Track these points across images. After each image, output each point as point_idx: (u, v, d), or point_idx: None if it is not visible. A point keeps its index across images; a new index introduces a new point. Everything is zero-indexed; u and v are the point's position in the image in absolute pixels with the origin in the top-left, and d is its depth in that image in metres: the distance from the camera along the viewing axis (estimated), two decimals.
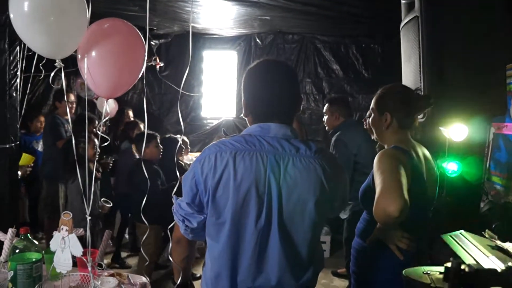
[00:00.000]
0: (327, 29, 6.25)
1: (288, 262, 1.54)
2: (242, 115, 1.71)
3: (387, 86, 2.15)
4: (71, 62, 5.41)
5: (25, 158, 3.84)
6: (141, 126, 5.12)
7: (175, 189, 1.75)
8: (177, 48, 6.59)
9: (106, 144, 1.90)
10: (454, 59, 2.64)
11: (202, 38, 6.54)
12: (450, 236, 2.23)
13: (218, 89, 6.75)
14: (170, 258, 1.79)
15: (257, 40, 6.66)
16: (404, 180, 1.76)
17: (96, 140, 3.76)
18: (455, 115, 2.60)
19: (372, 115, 2.14)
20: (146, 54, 1.91)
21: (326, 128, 4.25)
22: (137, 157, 4.75)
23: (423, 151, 2.08)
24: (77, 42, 1.73)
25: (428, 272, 1.63)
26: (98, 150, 2.84)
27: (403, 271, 1.69)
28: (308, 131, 6.23)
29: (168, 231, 1.91)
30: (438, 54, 2.60)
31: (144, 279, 2.17)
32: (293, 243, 1.55)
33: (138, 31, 1.92)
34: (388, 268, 1.95)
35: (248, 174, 1.50)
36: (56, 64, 1.71)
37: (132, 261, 5.00)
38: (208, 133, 6.58)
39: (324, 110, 4.22)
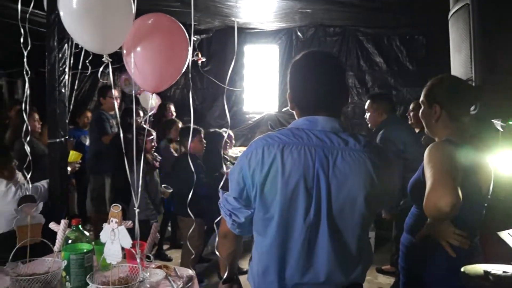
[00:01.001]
0: (370, 20, 6.13)
1: (337, 258, 1.52)
2: (288, 108, 1.69)
3: (437, 77, 2.07)
4: (115, 59, 5.54)
5: (74, 155, 3.97)
6: (179, 124, 5.19)
7: (221, 183, 1.74)
8: (218, 43, 6.62)
9: (152, 137, 1.91)
10: (508, 48, 2.52)
11: (243, 32, 6.54)
12: (509, 233, 2.13)
13: (260, 84, 6.74)
14: (217, 252, 1.79)
15: (298, 33, 6.61)
16: (456, 174, 1.70)
17: (153, 133, 3.85)
18: (509, 107, 2.49)
19: (422, 107, 2.07)
20: (190, 48, 1.92)
21: (369, 125, 4.16)
22: (175, 154, 4.82)
23: (476, 145, 2.00)
24: (124, 37, 1.75)
25: (490, 270, 1.56)
26: (155, 143, 2.91)
27: (462, 269, 1.63)
28: (352, 125, 6.14)
29: (214, 225, 1.91)
30: (491, 43, 2.48)
31: (190, 271, 2.20)
32: (342, 238, 1.52)
33: (181, 25, 1.93)
34: (439, 265, 1.88)
35: (297, 168, 1.48)
36: (103, 59, 1.74)
37: (173, 254, 5.08)
38: (250, 128, 6.59)
39: (366, 107, 4.14)
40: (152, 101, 1.89)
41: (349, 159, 1.49)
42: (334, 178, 1.48)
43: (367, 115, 4.12)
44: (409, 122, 4.45)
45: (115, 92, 5.65)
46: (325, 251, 1.51)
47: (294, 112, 1.69)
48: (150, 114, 1.84)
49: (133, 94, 1.87)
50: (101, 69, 1.72)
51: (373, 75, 6.42)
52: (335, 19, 6.14)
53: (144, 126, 1.75)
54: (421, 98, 2.08)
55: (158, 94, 5.85)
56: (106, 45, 1.69)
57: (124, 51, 1.80)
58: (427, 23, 5.86)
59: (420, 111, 2.09)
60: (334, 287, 1.55)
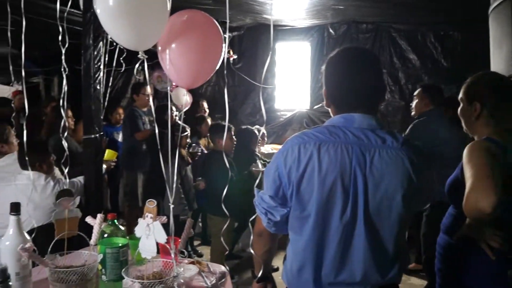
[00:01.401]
0: (403, 17, 6.02)
1: (374, 258, 1.50)
2: (320, 105, 1.67)
3: (477, 74, 2.01)
4: (148, 56, 5.59)
5: (109, 154, 4.04)
6: (209, 120, 5.22)
7: (257, 181, 1.74)
8: (249, 41, 6.64)
9: (186, 133, 1.93)
10: None
11: (275, 29, 6.54)
12: None
13: (292, 81, 6.71)
14: (251, 251, 1.79)
15: (330, 30, 6.56)
16: (497, 174, 1.64)
17: (188, 129, 3.90)
18: None
19: (461, 105, 2.02)
20: (225, 45, 1.92)
21: (412, 113, 4.11)
22: (205, 151, 4.85)
23: None
24: (159, 34, 1.76)
25: None
26: (189, 140, 2.94)
27: (509, 272, 1.58)
28: (384, 123, 6.06)
29: (249, 224, 1.91)
30: None
31: (223, 268, 2.21)
32: (379, 238, 1.50)
33: (216, 21, 1.93)
34: (479, 267, 1.83)
35: (333, 166, 1.46)
36: (139, 56, 1.76)
37: (204, 250, 5.11)
38: (281, 125, 6.58)
39: (415, 94, 4.08)
40: (186, 98, 1.89)
41: (387, 157, 1.47)
42: (371, 176, 1.46)
43: (414, 102, 4.08)
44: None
45: (148, 89, 5.73)
46: (361, 250, 1.49)
47: (329, 110, 1.67)
48: (183, 111, 1.84)
49: (168, 91, 1.88)
50: (137, 65, 1.74)
51: (407, 72, 6.32)
52: (367, 15, 6.07)
53: (179, 122, 1.76)
54: (460, 95, 2.03)
55: (190, 91, 5.91)
56: (142, 42, 1.71)
57: (159, 48, 1.81)
58: (463, 18, 5.73)
59: (459, 109, 2.04)
60: (370, 287, 1.53)
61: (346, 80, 1.57)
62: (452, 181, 1.96)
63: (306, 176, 1.49)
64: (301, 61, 6.70)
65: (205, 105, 5.80)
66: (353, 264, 1.51)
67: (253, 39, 6.60)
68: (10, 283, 1.28)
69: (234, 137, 4.22)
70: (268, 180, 1.59)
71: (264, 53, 6.56)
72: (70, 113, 4.68)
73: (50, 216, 2.84)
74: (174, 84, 6.37)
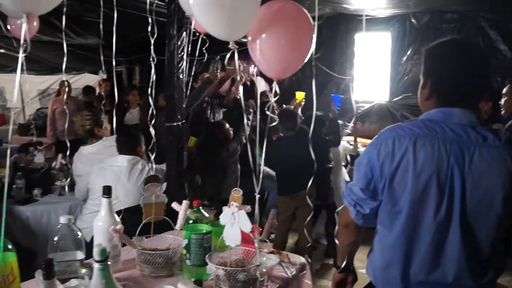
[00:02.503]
0: (493, 5, 5.65)
1: (468, 260, 1.42)
2: (422, 98, 1.59)
3: None
4: (226, 47, 5.62)
5: (192, 140, 4.17)
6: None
7: (346, 173, 1.71)
8: (328, 31, 6.52)
9: (274, 124, 1.93)
10: None
11: (354, 19, 6.38)
12: None
13: (371, 72, 6.53)
14: (336, 241, 1.77)
15: (412, 20, 6.29)
16: None
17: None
18: None
19: None
20: (314, 35, 1.90)
21: (502, 112, 3.85)
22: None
23: None
24: (250, 24, 1.76)
25: None
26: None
27: None
28: None
29: (335, 215, 1.89)
30: None
31: (303, 259, 2.20)
32: (475, 239, 1.42)
33: (306, 11, 1.90)
34: None
35: (429, 162, 1.40)
36: (230, 46, 1.77)
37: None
38: (358, 117, 6.42)
39: (504, 91, 3.82)
40: (277, 87, 1.86)
41: (488, 156, 1.39)
42: (470, 175, 1.39)
43: (503, 100, 3.81)
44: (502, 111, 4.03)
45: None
46: (455, 251, 1.42)
47: (420, 103, 1.60)
48: (274, 100, 1.83)
49: (257, 91, 1.88)
50: (228, 55, 1.75)
51: (496, 64, 5.93)
52: (453, 4, 5.75)
53: (267, 113, 1.75)
54: None
55: (266, 81, 5.93)
56: (233, 32, 1.72)
57: (249, 38, 1.82)
58: None
59: None
60: None
61: (448, 73, 1.50)
62: None
63: (399, 171, 1.44)
64: (381, 52, 6.49)
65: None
66: (445, 265, 1.45)
67: (332, 29, 6.48)
68: (109, 262, 1.33)
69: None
70: (359, 172, 1.56)
71: (342, 44, 6.43)
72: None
73: (138, 200, 2.97)
74: (252, 75, 6.44)
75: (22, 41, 1.22)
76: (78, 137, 3.90)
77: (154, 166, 2.87)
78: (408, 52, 6.14)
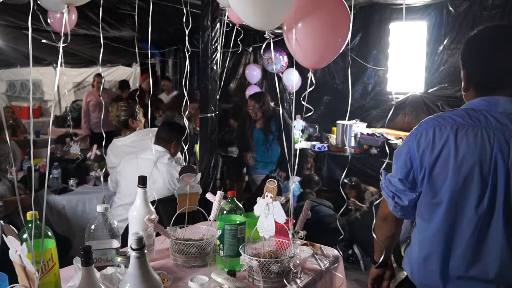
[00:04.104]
0: None
1: (511, 255, 1.37)
2: (462, 89, 1.54)
3: None
4: (258, 38, 5.64)
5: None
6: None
7: (384, 165, 1.67)
8: (362, 21, 6.41)
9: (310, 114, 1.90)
10: None
11: (388, 9, 6.23)
12: None
13: (405, 63, 6.37)
14: (374, 235, 1.74)
15: (450, 8, 6.08)
16: None
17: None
18: None
19: None
20: (351, 24, 1.86)
21: None
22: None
23: None
24: (286, 13, 1.74)
25: None
26: None
27: None
28: None
29: (373, 207, 1.85)
30: None
31: (336, 251, 2.17)
32: None
33: (344, 1, 1.87)
34: None
35: (472, 152, 1.36)
36: (265, 35, 1.75)
37: None
38: (393, 109, 6.29)
39: None
40: (312, 76, 1.83)
41: None
42: None
43: None
44: None
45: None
46: (498, 245, 1.38)
47: (463, 94, 1.55)
48: (308, 91, 1.79)
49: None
50: (264, 45, 1.73)
51: None
52: None
53: (303, 103, 1.73)
54: None
55: (299, 73, 5.89)
56: (269, 21, 1.70)
57: (285, 27, 1.79)
58: None
59: None
60: (504, 287, 1.41)
61: (491, 60, 1.45)
62: None
63: (440, 161, 1.40)
64: (416, 42, 6.32)
65: None
66: (487, 259, 1.40)
67: (366, 19, 6.36)
68: (145, 251, 1.34)
69: None
70: (398, 163, 1.52)
71: (376, 34, 6.30)
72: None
73: (164, 192, 3.00)
74: (284, 66, 6.40)
75: (62, 31, 1.24)
76: (112, 129, 3.97)
77: (186, 157, 2.88)
78: (445, 42, 5.95)
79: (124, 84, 7.53)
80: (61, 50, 1.26)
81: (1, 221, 1.54)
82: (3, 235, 1.40)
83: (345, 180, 4.70)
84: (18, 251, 1.38)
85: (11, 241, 1.39)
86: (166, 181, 3.09)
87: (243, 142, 4.97)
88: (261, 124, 4.78)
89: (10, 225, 1.40)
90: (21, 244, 1.36)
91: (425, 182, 1.45)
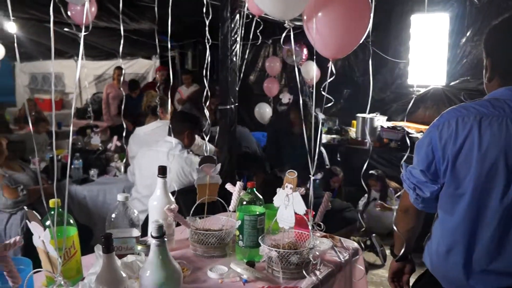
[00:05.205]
0: None
1: None
2: (486, 78, 1.51)
3: None
4: (278, 30, 5.60)
5: None
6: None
7: (404, 158, 1.65)
8: (382, 12, 6.31)
9: (330, 104, 1.88)
10: None
11: (410, 1, 6.13)
12: None
13: (427, 56, 6.26)
14: (394, 228, 1.72)
15: None
16: None
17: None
18: None
19: None
20: (371, 14, 1.84)
21: None
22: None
23: None
24: (306, 2, 1.72)
25: None
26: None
27: None
28: None
29: (394, 199, 1.83)
30: None
31: (356, 244, 2.16)
32: None
33: None
34: None
35: (496, 142, 1.33)
36: (285, 25, 1.74)
37: None
38: (413, 102, 6.19)
39: None
40: (333, 67, 1.81)
41: None
42: None
43: None
44: None
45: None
46: None
47: (484, 86, 1.52)
48: (328, 81, 1.77)
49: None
50: (284, 34, 1.72)
51: None
52: None
53: (323, 93, 1.72)
54: None
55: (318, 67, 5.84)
56: (289, 10, 1.68)
57: (305, 17, 1.78)
58: None
59: None
60: None
61: None
62: None
63: (463, 152, 1.38)
64: (438, 34, 6.20)
65: None
66: (510, 252, 1.37)
67: (386, 11, 6.26)
68: (165, 239, 1.35)
69: None
70: (419, 154, 1.50)
71: (397, 26, 6.21)
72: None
73: (178, 185, 3.01)
74: (304, 58, 6.36)
75: (84, 21, 1.25)
76: (132, 119, 4.00)
77: (208, 148, 2.89)
78: (468, 34, 5.84)
79: (133, 84, 7.53)
80: (82, 40, 1.27)
81: (25, 207, 1.57)
82: (27, 220, 1.43)
83: (372, 171, 4.67)
84: (41, 237, 1.40)
85: (34, 227, 1.42)
86: (177, 173, 3.09)
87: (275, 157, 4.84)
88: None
89: (34, 211, 1.42)
90: (44, 230, 1.38)
91: (448, 173, 1.43)
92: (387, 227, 4.32)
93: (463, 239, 1.43)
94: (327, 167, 4.69)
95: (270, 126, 5.79)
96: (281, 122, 5.06)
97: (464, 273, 1.44)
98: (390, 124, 5.79)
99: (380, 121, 5.79)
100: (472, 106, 1.41)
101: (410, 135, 5.13)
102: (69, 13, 3.77)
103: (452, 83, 5.78)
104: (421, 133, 5.24)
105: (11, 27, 5.91)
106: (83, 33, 1.29)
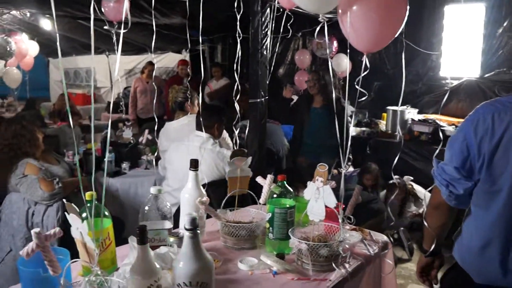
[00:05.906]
0: None
1: None
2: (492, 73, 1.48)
3: None
4: (308, 23, 5.55)
5: None
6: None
7: (436, 152, 1.63)
8: (414, 4, 6.18)
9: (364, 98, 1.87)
10: None
11: None
12: None
13: (460, 47, 6.11)
14: (425, 223, 1.70)
15: None
16: None
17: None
18: None
19: None
20: (407, 7, 1.81)
21: None
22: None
23: None
24: None
25: None
26: None
27: None
28: None
29: (424, 195, 1.82)
30: None
31: (385, 237, 2.15)
32: None
33: None
34: None
35: None
36: (319, 19, 1.74)
37: None
38: (444, 94, 6.06)
39: None
40: (366, 60, 1.80)
41: None
42: None
43: None
44: None
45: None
46: None
47: None
48: (362, 75, 1.75)
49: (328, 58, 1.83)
50: (318, 28, 1.72)
51: None
52: None
53: (357, 87, 1.71)
54: None
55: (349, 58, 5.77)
56: (323, 4, 1.68)
57: (339, 11, 1.77)
58: None
59: None
60: None
61: None
62: None
63: (501, 148, 1.35)
64: (473, 24, 6.03)
65: None
66: None
67: (418, 2, 6.13)
68: (198, 231, 1.38)
69: None
70: (453, 150, 1.48)
71: (430, 17, 6.07)
72: None
73: (209, 177, 3.04)
74: (334, 51, 6.29)
75: (123, 17, 1.29)
76: (161, 114, 4.05)
77: (236, 142, 2.90)
78: (505, 24, 5.65)
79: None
80: (121, 37, 1.31)
81: (64, 200, 1.62)
82: (65, 212, 1.48)
83: (393, 180, 4.59)
84: (79, 228, 1.45)
85: (72, 219, 1.46)
86: (210, 167, 3.12)
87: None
88: (320, 103, 4.56)
89: (72, 204, 1.47)
90: (82, 222, 1.43)
91: (484, 169, 1.40)
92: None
93: (501, 234, 1.40)
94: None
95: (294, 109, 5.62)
96: (301, 100, 5.00)
97: (501, 269, 1.42)
98: (421, 116, 5.69)
99: (411, 113, 5.70)
100: (508, 101, 1.38)
101: (442, 128, 5.04)
102: (102, 9, 3.84)
103: (486, 75, 5.63)
104: (453, 126, 5.14)
105: (46, 24, 6.07)
106: (122, 30, 1.32)
